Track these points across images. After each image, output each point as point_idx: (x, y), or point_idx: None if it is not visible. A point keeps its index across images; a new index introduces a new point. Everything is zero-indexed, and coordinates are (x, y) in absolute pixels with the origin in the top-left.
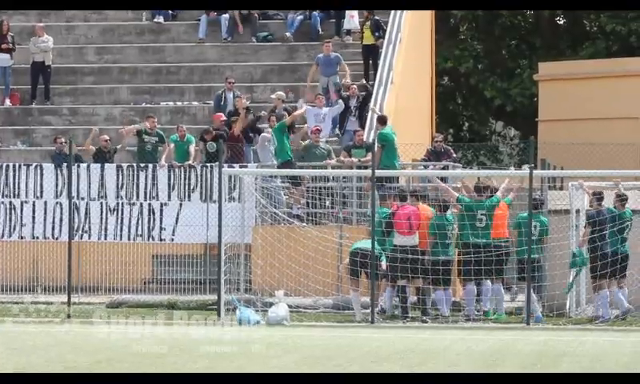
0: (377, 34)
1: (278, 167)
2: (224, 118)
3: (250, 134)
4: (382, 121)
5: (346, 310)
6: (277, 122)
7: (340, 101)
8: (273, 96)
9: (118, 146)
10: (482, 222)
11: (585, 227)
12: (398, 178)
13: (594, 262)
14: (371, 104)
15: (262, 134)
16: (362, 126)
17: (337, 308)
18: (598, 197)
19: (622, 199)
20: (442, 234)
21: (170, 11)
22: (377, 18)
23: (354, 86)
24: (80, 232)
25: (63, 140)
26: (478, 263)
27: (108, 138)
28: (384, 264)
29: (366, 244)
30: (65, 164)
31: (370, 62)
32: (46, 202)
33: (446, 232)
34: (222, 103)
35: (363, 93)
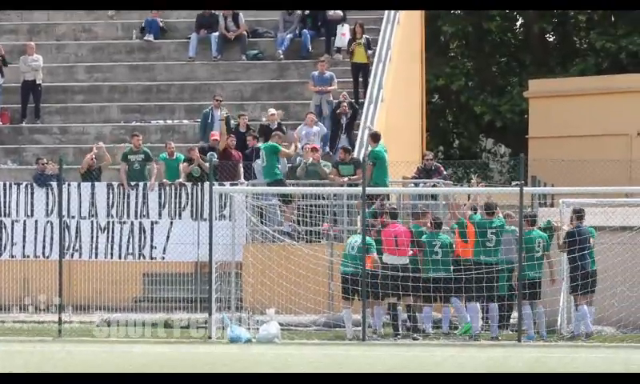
0: (369, 51)
1: (268, 186)
2: (217, 137)
3: (247, 152)
4: (375, 138)
5: (337, 328)
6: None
7: (321, 124)
8: (272, 112)
9: (102, 164)
10: (492, 241)
11: (564, 245)
12: (388, 195)
13: (574, 281)
14: (361, 122)
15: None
16: (352, 144)
17: (327, 325)
18: (578, 214)
19: (580, 215)
20: (432, 252)
21: (161, 24)
22: (366, 36)
23: (345, 104)
24: (71, 251)
25: (45, 160)
26: (490, 281)
27: (94, 155)
28: (375, 254)
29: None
30: (51, 183)
31: (360, 79)
32: (36, 221)
33: (435, 249)
34: (210, 121)
35: (351, 110)
